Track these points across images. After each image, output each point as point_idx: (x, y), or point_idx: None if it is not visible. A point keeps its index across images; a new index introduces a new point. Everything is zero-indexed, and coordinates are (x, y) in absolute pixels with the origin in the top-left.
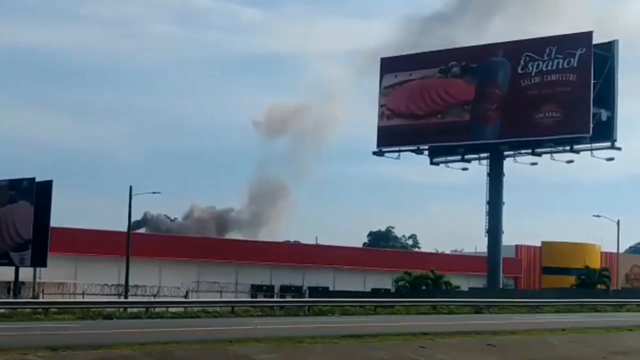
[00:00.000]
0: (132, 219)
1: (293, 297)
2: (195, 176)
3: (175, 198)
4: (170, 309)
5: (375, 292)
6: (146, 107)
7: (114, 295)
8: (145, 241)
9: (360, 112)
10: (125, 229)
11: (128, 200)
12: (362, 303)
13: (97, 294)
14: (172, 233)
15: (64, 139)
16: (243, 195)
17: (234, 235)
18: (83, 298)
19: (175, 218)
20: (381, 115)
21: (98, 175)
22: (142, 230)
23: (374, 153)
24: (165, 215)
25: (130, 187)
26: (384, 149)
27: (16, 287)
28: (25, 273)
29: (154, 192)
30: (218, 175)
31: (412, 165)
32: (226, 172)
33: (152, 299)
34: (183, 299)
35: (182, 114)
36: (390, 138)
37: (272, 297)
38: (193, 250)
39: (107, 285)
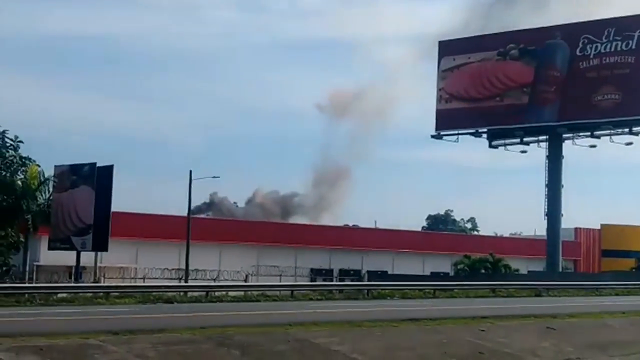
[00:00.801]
0: (199, 203)
1: (352, 280)
2: (260, 161)
3: (241, 183)
4: (230, 293)
5: (434, 276)
6: (209, 92)
7: (174, 279)
8: (206, 225)
9: (420, 95)
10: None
11: (188, 185)
12: (421, 287)
13: (157, 278)
14: (236, 218)
15: (128, 124)
16: (307, 180)
17: (297, 220)
18: (144, 282)
19: (235, 203)
20: (440, 99)
21: (162, 160)
22: (207, 215)
23: (433, 136)
24: (234, 202)
25: (190, 171)
26: (442, 132)
27: (77, 271)
28: (87, 257)
29: (213, 177)
30: (282, 159)
31: (471, 148)
32: (290, 157)
33: (212, 283)
34: (242, 283)
35: (244, 98)
36: (449, 121)
37: (331, 280)
38: (252, 234)
39: (167, 269)
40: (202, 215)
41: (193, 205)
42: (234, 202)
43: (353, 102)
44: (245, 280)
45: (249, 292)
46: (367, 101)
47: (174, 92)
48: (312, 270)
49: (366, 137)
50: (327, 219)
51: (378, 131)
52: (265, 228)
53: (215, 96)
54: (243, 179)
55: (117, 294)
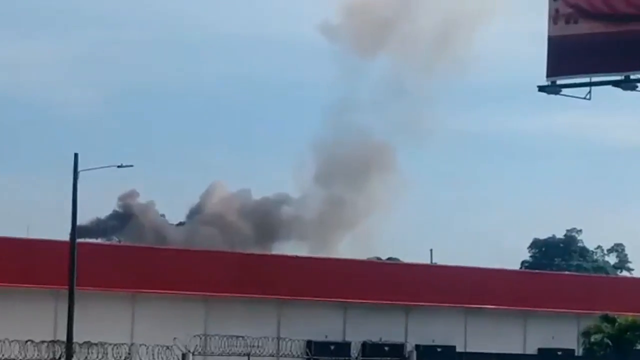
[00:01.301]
0: (102, 215)
1: None
2: (216, 137)
3: (181, 180)
4: None
5: (546, 356)
6: None
7: None
8: (105, 258)
9: (517, 11)
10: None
11: (72, 179)
12: None
13: None
14: (168, 244)
15: None
16: (305, 172)
17: (286, 247)
18: None
19: (163, 215)
20: (554, 17)
21: (29, 136)
22: (112, 240)
23: (542, 89)
24: (161, 215)
25: (76, 155)
26: (559, 80)
27: None
28: None
29: (121, 166)
30: (258, 135)
31: (615, 111)
32: (273, 130)
33: None
34: None
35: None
36: (573, 58)
37: None
38: (197, 274)
39: (32, 342)
40: (98, 240)
41: (93, 217)
42: (162, 215)
43: (391, 21)
44: None
45: None
46: (418, 19)
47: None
48: (309, 344)
49: (415, 92)
50: (344, 248)
51: (438, 81)
52: (220, 262)
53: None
54: (184, 173)
55: None
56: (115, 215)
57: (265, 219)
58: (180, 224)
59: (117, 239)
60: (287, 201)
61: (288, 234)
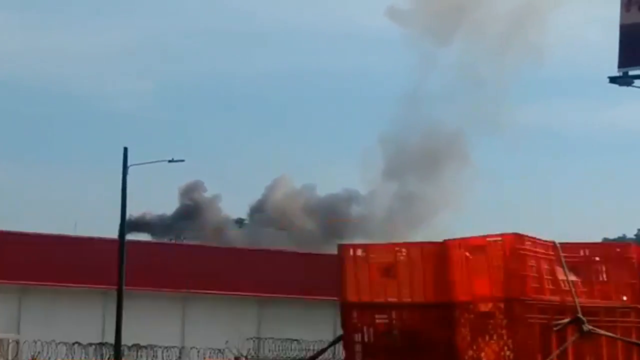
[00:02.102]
0: (160, 212)
1: None
2: (280, 132)
3: (234, 175)
4: None
5: None
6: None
7: None
8: (158, 257)
9: (587, 4)
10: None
11: (121, 176)
12: None
13: None
14: (229, 239)
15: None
16: (373, 168)
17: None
18: None
19: (241, 221)
20: (627, 3)
21: (80, 131)
22: (170, 239)
23: (612, 80)
24: (226, 216)
25: (125, 149)
26: (632, 71)
27: None
28: None
29: (171, 160)
30: (323, 128)
31: None
32: (336, 124)
33: None
34: None
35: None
36: None
37: None
38: (250, 274)
39: (79, 344)
40: (147, 239)
41: (160, 213)
42: (234, 218)
43: (460, 6)
44: None
45: None
46: (492, 7)
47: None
48: None
49: (490, 81)
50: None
51: (511, 71)
52: (277, 262)
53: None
54: (245, 167)
55: None
56: (180, 211)
57: (331, 215)
58: (239, 220)
59: (180, 238)
60: (354, 197)
61: (355, 231)
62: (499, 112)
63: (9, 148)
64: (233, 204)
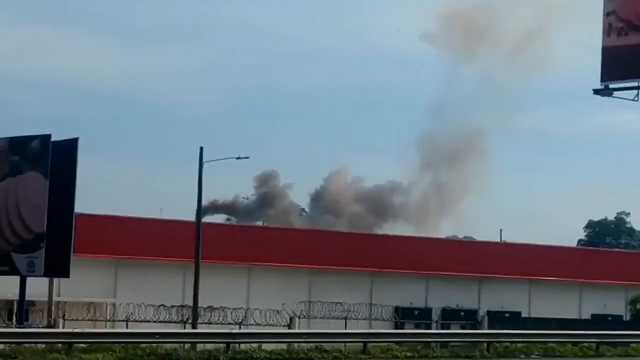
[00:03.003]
0: (231, 198)
1: (463, 327)
2: (325, 132)
3: (300, 169)
4: (264, 346)
5: (598, 321)
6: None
7: (175, 322)
8: (227, 236)
9: (575, 25)
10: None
11: (197, 169)
12: (577, 338)
13: (149, 321)
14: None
15: (102, 72)
16: (409, 163)
17: (393, 226)
18: (127, 327)
19: (302, 210)
20: (608, 30)
21: (160, 132)
22: (230, 220)
23: (597, 92)
24: (299, 207)
25: (201, 148)
26: (612, 85)
27: (22, 309)
28: (37, 287)
29: (238, 157)
30: (369, 129)
31: None
32: (382, 125)
33: (237, 330)
34: (286, 330)
35: (302, 34)
36: (624, 66)
37: (430, 327)
38: (302, 250)
39: (164, 306)
40: (220, 221)
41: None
42: (300, 207)
43: (480, 27)
44: (290, 325)
45: (296, 345)
46: (502, 25)
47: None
48: (397, 309)
49: (501, 87)
50: (447, 228)
51: (521, 83)
52: (322, 240)
53: (255, 25)
54: (300, 163)
55: (85, 345)
56: (260, 198)
57: (378, 202)
58: (301, 209)
59: (261, 222)
60: (396, 188)
61: (396, 216)
62: (509, 118)
63: (114, 148)
64: (299, 193)
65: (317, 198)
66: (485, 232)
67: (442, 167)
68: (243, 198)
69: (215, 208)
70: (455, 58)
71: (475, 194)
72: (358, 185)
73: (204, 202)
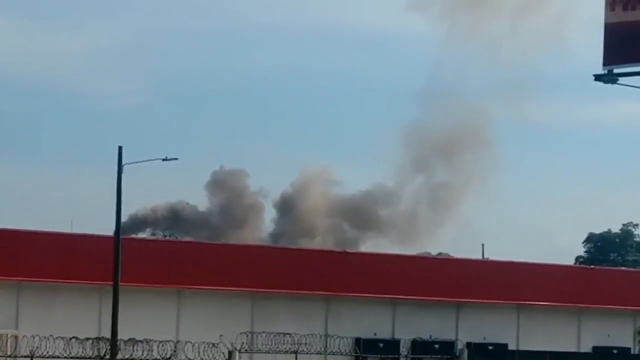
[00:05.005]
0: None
1: None
2: (289, 128)
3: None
4: None
5: (601, 354)
6: None
7: (90, 358)
8: (152, 254)
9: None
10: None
11: (116, 174)
12: None
13: (58, 357)
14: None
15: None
16: (396, 160)
17: (377, 237)
18: None
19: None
20: (611, 2)
21: (75, 129)
22: (159, 235)
23: (598, 77)
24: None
25: (120, 148)
26: (617, 69)
27: None
28: None
29: (165, 159)
30: (339, 125)
31: None
32: (356, 118)
33: None
34: None
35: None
36: (631, 46)
37: None
38: (243, 270)
39: (77, 339)
40: (144, 236)
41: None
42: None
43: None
44: None
45: None
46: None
47: None
48: (357, 341)
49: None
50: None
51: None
52: (266, 257)
53: None
54: (257, 165)
55: None
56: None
57: (359, 212)
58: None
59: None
60: (382, 192)
61: (380, 229)
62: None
63: (4, 146)
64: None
65: (284, 208)
66: (463, 248)
67: (435, 162)
68: (188, 205)
69: (147, 223)
70: (448, 25)
71: (476, 193)
72: (336, 192)
73: (137, 213)
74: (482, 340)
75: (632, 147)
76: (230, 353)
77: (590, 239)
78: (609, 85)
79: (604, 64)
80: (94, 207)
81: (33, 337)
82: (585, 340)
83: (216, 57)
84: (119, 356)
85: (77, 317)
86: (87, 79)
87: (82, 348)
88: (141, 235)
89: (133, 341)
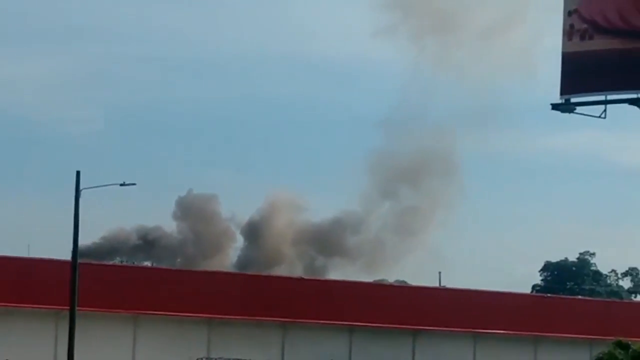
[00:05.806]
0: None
1: None
2: (256, 157)
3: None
4: None
5: None
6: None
7: None
8: (109, 279)
9: (532, 28)
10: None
11: (74, 199)
12: None
13: None
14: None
15: None
16: (355, 186)
17: (344, 263)
18: None
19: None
20: (569, 32)
21: (31, 153)
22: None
23: (555, 107)
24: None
25: (78, 172)
26: (574, 98)
27: None
28: None
29: (123, 184)
30: (306, 153)
31: (631, 130)
32: (321, 146)
33: None
34: None
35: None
36: (588, 76)
37: None
38: (200, 296)
39: None
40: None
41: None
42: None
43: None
44: None
45: None
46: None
47: None
48: None
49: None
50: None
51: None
52: (222, 284)
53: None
54: (226, 193)
55: None
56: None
57: (326, 238)
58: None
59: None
60: (350, 219)
61: (347, 252)
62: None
63: None
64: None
65: (251, 236)
66: (428, 275)
67: (401, 188)
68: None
69: (117, 250)
70: (416, 50)
71: (443, 218)
72: (300, 219)
73: (99, 240)
74: None
75: (590, 176)
76: None
77: (547, 267)
78: (567, 114)
79: (562, 93)
80: (51, 233)
81: None
82: None
83: (181, 85)
84: None
85: (33, 341)
86: (44, 106)
87: None
88: (113, 262)
89: None
